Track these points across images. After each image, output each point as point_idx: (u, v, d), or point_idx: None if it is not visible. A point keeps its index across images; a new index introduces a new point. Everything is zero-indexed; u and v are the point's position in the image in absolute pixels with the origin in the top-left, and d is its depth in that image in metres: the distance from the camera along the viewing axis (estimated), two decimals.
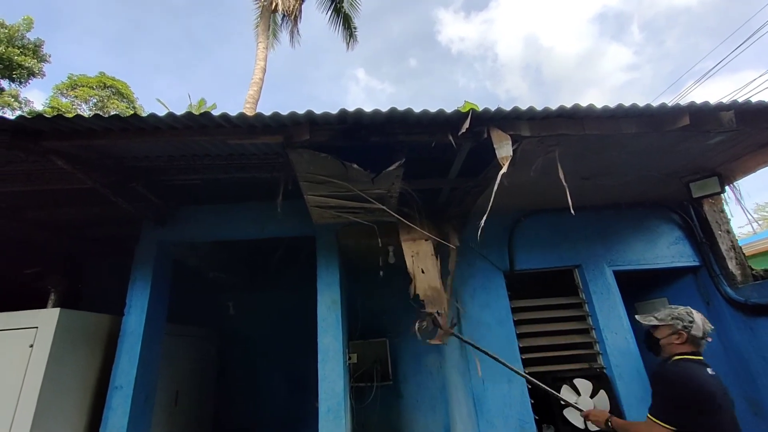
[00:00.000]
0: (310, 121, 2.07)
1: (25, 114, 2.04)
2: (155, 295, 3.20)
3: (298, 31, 12.43)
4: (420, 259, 2.97)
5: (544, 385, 2.51)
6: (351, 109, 2.01)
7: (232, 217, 3.42)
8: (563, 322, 3.20)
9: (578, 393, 2.87)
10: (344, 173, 2.35)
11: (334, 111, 2.02)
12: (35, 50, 12.61)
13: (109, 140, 2.09)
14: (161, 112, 2.01)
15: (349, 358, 3.72)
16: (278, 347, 5.09)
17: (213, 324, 5.08)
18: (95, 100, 15.19)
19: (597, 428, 2.74)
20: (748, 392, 2.91)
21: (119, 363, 2.90)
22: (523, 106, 2.03)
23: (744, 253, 3.29)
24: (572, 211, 2.22)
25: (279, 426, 4.77)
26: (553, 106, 2.04)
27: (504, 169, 2.00)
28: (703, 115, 2.14)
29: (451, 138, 2.11)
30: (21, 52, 12.19)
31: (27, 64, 12.22)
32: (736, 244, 3.28)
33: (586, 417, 2.40)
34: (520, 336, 3.08)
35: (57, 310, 2.64)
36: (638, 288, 3.81)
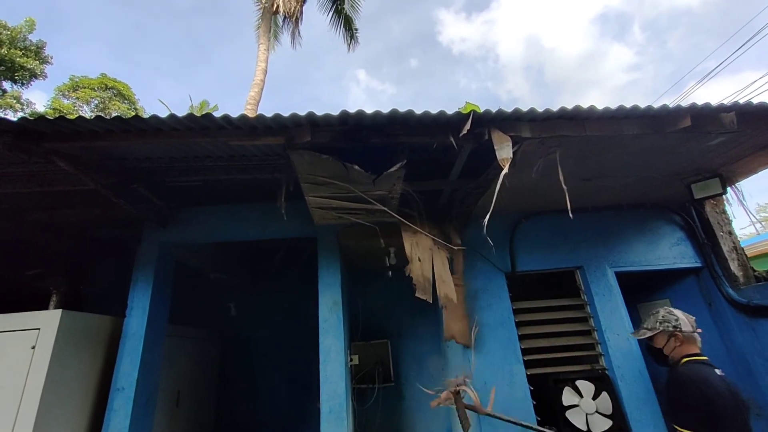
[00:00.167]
0: (311, 122, 2.07)
1: (27, 115, 2.04)
2: (157, 296, 3.21)
3: (299, 32, 12.45)
4: (418, 249, 2.98)
5: None
6: (352, 110, 2.01)
7: (233, 218, 3.43)
8: (565, 324, 3.19)
9: (580, 395, 2.86)
10: (345, 174, 2.35)
11: (336, 112, 2.02)
12: (37, 52, 12.68)
13: (110, 142, 2.10)
14: (163, 114, 2.02)
15: (351, 360, 3.72)
16: (280, 348, 5.09)
17: (214, 325, 5.08)
18: (97, 102, 15.24)
19: (599, 430, 2.74)
20: (751, 393, 2.89)
21: (121, 364, 2.90)
22: (525, 108, 2.03)
23: (746, 255, 3.28)
24: (570, 215, 2.23)
25: (280, 427, 4.77)
26: (554, 108, 2.04)
27: (505, 171, 2.00)
28: (704, 117, 2.13)
29: (452, 139, 2.11)
30: (23, 53, 12.25)
31: (29, 66, 12.28)
32: (738, 246, 3.27)
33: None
34: (521, 337, 3.07)
35: (59, 311, 2.65)
36: (640, 289, 3.80)
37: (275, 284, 5.35)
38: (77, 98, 14.93)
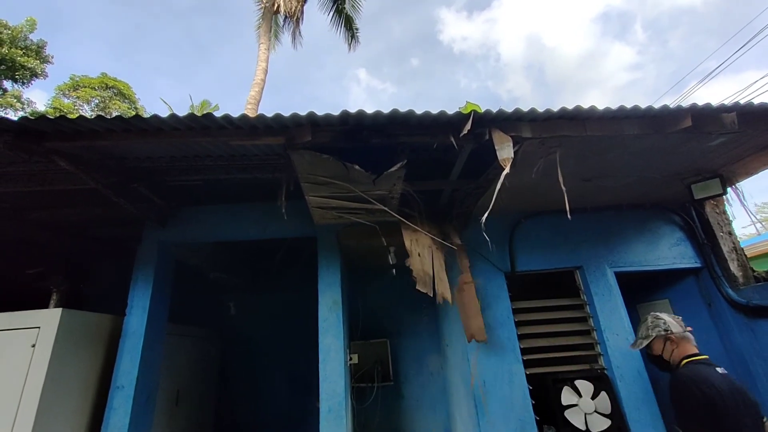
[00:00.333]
0: (311, 122, 2.07)
1: (27, 115, 2.05)
2: (157, 295, 3.21)
3: (299, 32, 12.45)
4: (418, 245, 2.99)
5: None
6: (353, 110, 2.01)
7: (233, 217, 3.43)
8: (564, 324, 3.20)
9: (579, 394, 2.87)
10: (346, 174, 2.36)
11: (336, 112, 2.02)
12: (38, 51, 12.69)
13: (111, 141, 2.10)
14: (164, 113, 2.03)
15: (350, 359, 3.72)
16: (279, 347, 5.10)
17: (214, 324, 5.09)
18: (97, 101, 15.24)
19: (598, 430, 2.75)
20: None
21: (121, 363, 2.91)
22: (525, 107, 2.04)
23: (746, 255, 3.28)
24: (569, 216, 2.24)
25: (280, 426, 4.77)
26: (555, 108, 2.04)
27: (506, 171, 2.01)
28: (705, 117, 2.13)
29: (452, 139, 2.11)
30: (24, 53, 12.26)
31: (30, 65, 12.29)
32: (737, 246, 3.28)
33: None
34: (521, 337, 3.07)
35: (59, 310, 2.65)
36: (640, 289, 3.80)
37: (275, 283, 5.36)
38: (78, 97, 14.93)
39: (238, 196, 3.31)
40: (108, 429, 2.72)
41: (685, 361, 2.10)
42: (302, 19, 12.25)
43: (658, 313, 2.36)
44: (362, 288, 4.49)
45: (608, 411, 2.80)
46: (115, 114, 1.95)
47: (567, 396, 2.87)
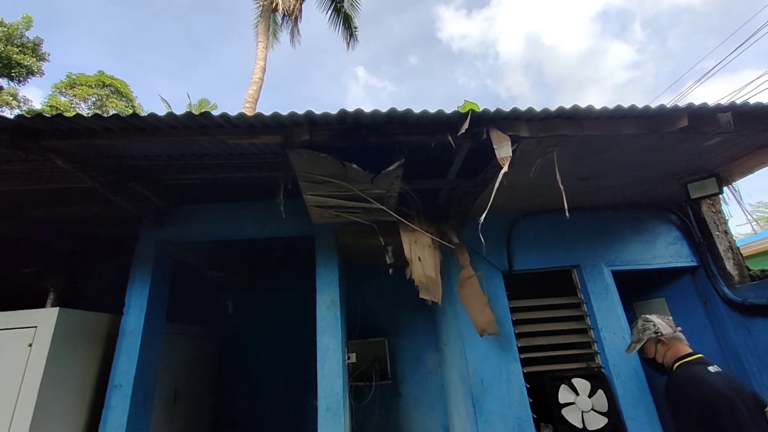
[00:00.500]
0: (309, 121, 2.07)
1: (23, 113, 2.04)
2: (154, 294, 3.21)
3: (298, 30, 12.44)
4: (417, 248, 2.99)
5: None
6: (350, 109, 2.01)
7: (231, 216, 3.43)
8: (561, 322, 3.21)
9: (576, 392, 2.88)
10: (343, 173, 2.36)
11: (334, 111, 2.02)
12: (34, 49, 12.61)
13: (108, 140, 2.09)
14: (161, 111, 2.02)
15: (348, 358, 3.73)
16: (277, 346, 5.10)
17: (212, 323, 5.08)
18: (94, 99, 15.16)
19: (595, 428, 2.77)
20: None
21: (118, 362, 2.90)
22: (524, 106, 2.04)
23: (741, 254, 3.30)
24: (567, 215, 2.24)
25: (278, 424, 4.78)
26: (553, 107, 2.05)
27: (504, 170, 2.01)
28: (701, 117, 2.14)
29: (450, 138, 2.11)
30: (20, 50, 12.18)
31: (26, 63, 12.21)
32: (733, 245, 3.30)
33: None
34: (518, 336, 3.09)
35: (56, 309, 2.65)
36: (636, 288, 3.82)
37: (273, 282, 5.35)
38: (74, 95, 14.85)
39: (235, 194, 3.31)
40: (106, 428, 2.72)
41: (679, 363, 2.09)
42: (300, 17, 12.24)
43: (647, 316, 2.37)
44: (360, 287, 4.50)
45: (605, 409, 2.82)
46: (112, 112, 1.94)
47: (564, 394, 2.89)
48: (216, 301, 5.29)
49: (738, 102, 2.15)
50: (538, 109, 2.04)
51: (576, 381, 2.92)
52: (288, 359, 5.01)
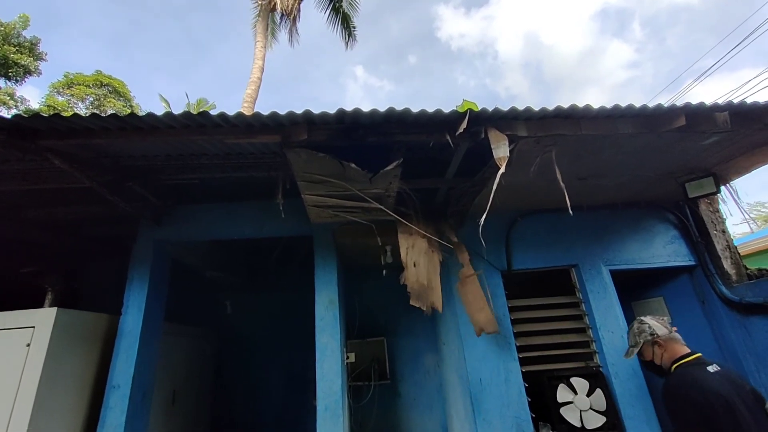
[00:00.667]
0: (307, 120, 2.07)
1: (21, 112, 2.03)
2: (152, 294, 3.20)
3: (296, 30, 12.43)
4: (414, 252, 2.98)
5: None
6: (349, 108, 2.01)
7: (229, 216, 3.42)
8: (560, 322, 3.21)
9: (575, 392, 2.89)
10: (342, 173, 2.36)
11: (332, 110, 2.02)
12: (31, 48, 12.57)
13: (106, 139, 2.09)
14: (161, 111, 2.02)
15: (347, 357, 3.73)
16: (276, 346, 5.09)
17: (211, 323, 5.07)
18: (92, 99, 15.12)
19: (593, 427, 2.77)
20: None
21: (116, 362, 2.90)
22: (522, 105, 2.04)
23: (739, 253, 3.31)
24: (570, 212, 2.24)
25: (277, 424, 4.78)
26: (551, 107, 2.05)
27: (502, 170, 2.01)
28: (698, 116, 2.15)
29: (448, 138, 2.11)
30: (17, 50, 12.14)
31: (23, 62, 12.19)
32: (731, 244, 3.31)
33: None
34: (517, 335, 3.09)
35: (54, 309, 2.64)
36: (635, 287, 3.83)
37: (272, 282, 5.35)
38: (72, 95, 14.81)
39: (234, 194, 3.30)
40: (104, 428, 2.71)
41: (676, 364, 2.08)
42: (299, 17, 12.23)
43: (642, 318, 2.36)
44: (359, 286, 4.50)
45: (603, 408, 2.83)
46: (109, 112, 1.94)
47: (562, 393, 2.89)
48: (215, 301, 5.28)
49: (735, 101, 2.16)
50: (536, 108, 2.04)
51: (574, 380, 2.93)
52: (287, 359, 5.01)
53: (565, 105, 2.05)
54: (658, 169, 2.80)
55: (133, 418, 2.82)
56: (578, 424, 2.79)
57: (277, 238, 3.65)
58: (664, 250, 3.36)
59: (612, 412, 2.82)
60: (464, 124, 2.01)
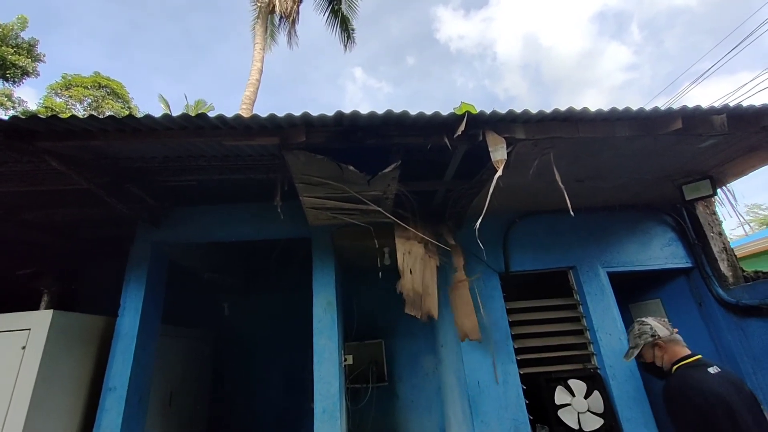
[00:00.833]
0: (306, 122, 2.07)
1: (18, 113, 2.03)
2: (150, 296, 3.19)
3: (295, 32, 12.43)
4: (410, 259, 2.98)
5: None
6: (348, 110, 2.01)
7: (227, 218, 3.42)
8: (558, 323, 3.22)
9: (572, 394, 2.89)
10: (340, 175, 2.36)
11: (331, 113, 2.02)
12: (29, 49, 12.56)
13: (104, 141, 2.08)
14: (159, 112, 2.02)
15: (345, 360, 3.72)
16: (274, 348, 5.08)
17: (208, 325, 5.06)
18: (90, 100, 15.08)
19: (591, 429, 2.77)
20: None
21: (113, 364, 2.88)
22: (522, 107, 2.09)
23: (735, 255, 3.33)
24: (572, 213, 2.23)
25: (274, 426, 4.75)
26: (548, 109, 2.06)
27: (499, 172, 2.02)
28: (695, 119, 2.16)
29: (446, 140, 2.12)
30: (15, 51, 12.12)
31: (21, 63, 12.17)
32: (728, 246, 3.32)
33: None
34: (514, 337, 3.09)
35: (50, 311, 2.63)
36: (632, 289, 3.84)
37: (270, 284, 5.34)
38: (70, 97, 14.77)
39: (232, 196, 3.30)
40: (100, 430, 2.69)
41: (677, 366, 2.07)
42: (298, 19, 12.24)
43: (643, 319, 2.33)
44: (357, 289, 4.50)
45: (601, 410, 2.83)
46: (107, 113, 1.94)
47: (560, 395, 2.89)
48: (212, 302, 5.27)
49: (732, 104, 2.17)
50: (534, 111, 2.05)
51: (572, 382, 2.93)
52: (285, 361, 4.99)
53: (563, 108, 2.06)
54: (655, 171, 2.81)
55: (130, 420, 2.80)
56: (576, 427, 2.79)
57: (275, 240, 3.64)
58: (661, 252, 3.37)
59: (610, 414, 2.82)
60: (462, 127, 2.02)
